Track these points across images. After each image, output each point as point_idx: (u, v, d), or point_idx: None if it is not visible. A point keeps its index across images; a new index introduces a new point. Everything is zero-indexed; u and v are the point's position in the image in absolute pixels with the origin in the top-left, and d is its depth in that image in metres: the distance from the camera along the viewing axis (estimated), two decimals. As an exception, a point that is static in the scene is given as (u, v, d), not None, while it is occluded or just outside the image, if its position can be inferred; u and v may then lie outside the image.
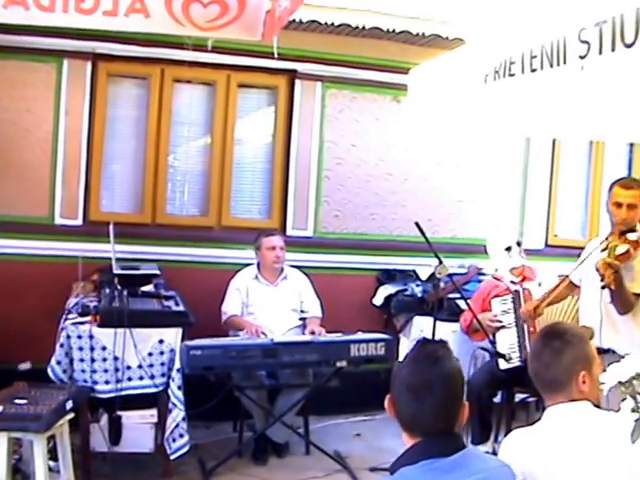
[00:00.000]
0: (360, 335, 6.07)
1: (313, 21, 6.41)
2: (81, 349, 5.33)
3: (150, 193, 7.11)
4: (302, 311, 6.71)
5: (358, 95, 7.53)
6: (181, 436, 5.47)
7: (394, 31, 6.59)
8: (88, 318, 5.46)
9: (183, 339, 5.56)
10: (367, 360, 5.97)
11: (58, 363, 5.33)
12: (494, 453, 4.68)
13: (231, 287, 6.63)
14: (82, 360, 5.34)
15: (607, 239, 5.07)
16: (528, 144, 8.08)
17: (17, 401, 4.61)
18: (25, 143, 6.72)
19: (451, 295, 6.80)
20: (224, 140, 7.28)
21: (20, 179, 6.72)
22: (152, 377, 5.45)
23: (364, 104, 7.56)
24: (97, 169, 6.97)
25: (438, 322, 6.07)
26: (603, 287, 4.83)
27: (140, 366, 5.42)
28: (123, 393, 5.39)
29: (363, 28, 6.53)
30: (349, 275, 7.50)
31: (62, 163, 6.80)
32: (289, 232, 7.31)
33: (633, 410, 1.93)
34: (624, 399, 1.98)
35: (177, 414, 5.44)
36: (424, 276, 7.31)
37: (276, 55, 5.04)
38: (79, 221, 6.86)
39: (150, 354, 5.45)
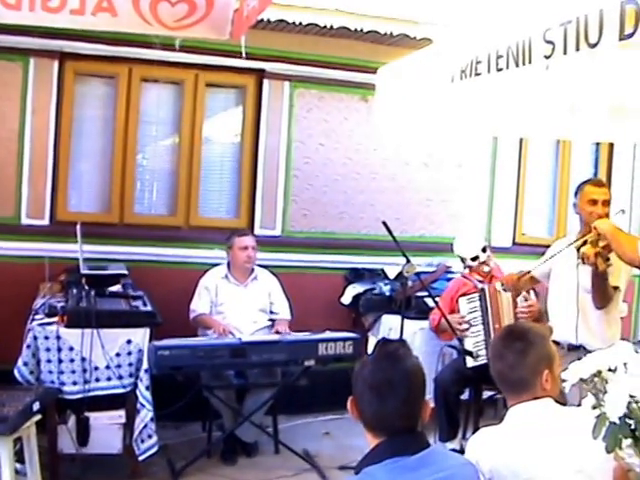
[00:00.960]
0: (328, 334, 6.08)
1: (281, 21, 6.41)
2: (48, 350, 5.29)
3: (118, 193, 7.07)
4: (271, 312, 6.71)
5: (326, 94, 7.54)
6: (149, 437, 5.45)
7: (362, 31, 6.60)
8: (55, 319, 5.41)
9: (151, 339, 5.53)
10: (335, 359, 5.98)
11: (25, 364, 5.28)
12: (462, 450, 4.71)
13: (200, 285, 6.62)
14: (49, 361, 5.30)
15: (583, 236, 5.14)
16: (496, 143, 8.12)
17: (-17, 403, 4.57)
18: (-10, 142, 6.68)
19: (419, 293, 6.81)
20: (192, 139, 7.26)
21: (-15, 178, 6.68)
22: (120, 378, 5.42)
23: (332, 103, 7.57)
24: (64, 168, 6.93)
25: (406, 320, 6.11)
26: (599, 275, 4.89)
27: (108, 367, 5.38)
28: (91, 394, 5.35)
29: (331, 28, 6.54)
30: (317, 274, 7.51)
31: (28, 162, 6.74)
32: (257, 231, 7.29)
33: (594, 407, 1.94)
34: (585, 396, 1.99)
35: (145, 414, 5.41)
36: (392, 275, 7.33)
37: (244, 55, 5.03)
38: (46, 221, 6.82)
39: (118, 354, 5.41)
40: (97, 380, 5.38)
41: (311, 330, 6.19)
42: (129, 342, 5.45)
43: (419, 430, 2.56)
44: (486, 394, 6.37)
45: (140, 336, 5.49)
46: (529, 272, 5.55)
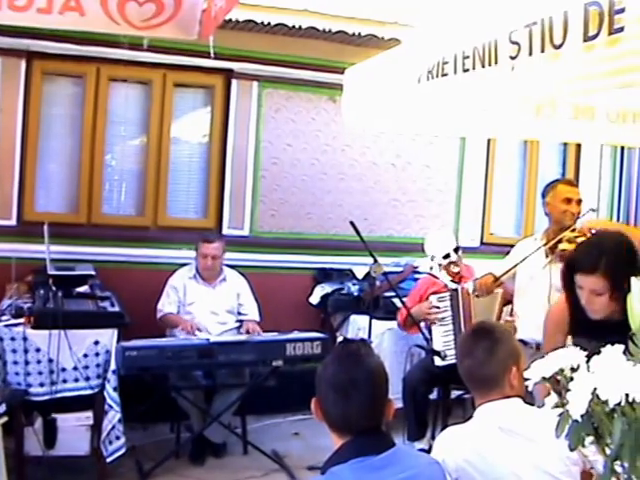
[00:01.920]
0: (296, 334, 6.09)
1: (249, 21, 6.40)
2: (15, 351, 5.24)
3: (86, 193, 7.04)
4: (240, 313, 6.71)
5: (294, 95, 7.55)
6: (117, 438, 5.42)
7: (330, 31, 6.60)
8: (22, 320, 5.37)
9: (119, 340, 5.51)
10: (303, 359, 5.99)
11: (-9, 366, 5.27)
12: (430, 449, 4.72)
13: (168, 285, 6.61)
14: (16, 362, 5.25)
15: (555, 235, 5.19)
16: (463, 143, 8.16)
17: (-52, 405, 4.55)
18: (-44, 142, 6.63)
19: (387, 294, 6.82)
20: (160, 139, 7.24)
21: (-49, 179, 6.63)
22: (87, 379, 5.39)
23: (300, 104, 7.58)
24: (31, 168, 6.89)
25: (374, 320, 6.13)
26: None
27: (75, 368, 5.35)
28: (58, 395, 5.31)
29: (299, 28, 6.54)
30: (285, 274, 7.52)
31: (-5, 162, 6.71)
32: (225, 231, 7.30)
33: (556, 405, 1.96)
34: (548, 394, 2.01)
35: (113, 416, 5.38)
36: (360, 275, 7.35)
37: (212, 54, 5.04)
38: (13, 221, 6.78)
39: (85, 355, 5.38)
40: (64, 381, 5.34)
41: (279, 330, 6.19)
42: (97, 343, 5.42)
43: (384, 430, 2.57)
44: (454, 394, 6.39)
45: (108, 337, 5.46)
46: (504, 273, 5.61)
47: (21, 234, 6.67)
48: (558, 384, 1.96)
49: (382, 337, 6.69)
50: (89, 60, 6.91)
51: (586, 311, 3.53)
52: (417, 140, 7.86)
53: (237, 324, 6.66)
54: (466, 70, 3.43)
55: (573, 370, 1.95)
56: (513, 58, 3.07)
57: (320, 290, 7.43)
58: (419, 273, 7.19)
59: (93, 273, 6.18)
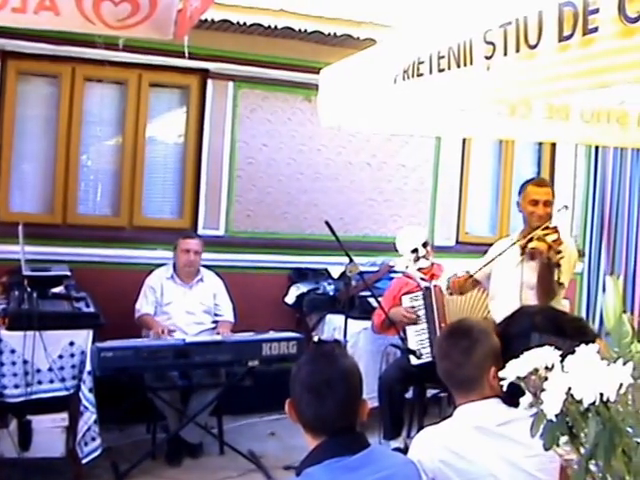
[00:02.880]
0: (272, 334, 6.08)
1: (225, 21, 6.39)
2: (-11, 353, 5.23)
3: (61, 193, 7.01)
4: (216, 314, 6.70)
5: (270, 95, 7.55)
6: (93, 439, 5.39)
7: (306, 31, 6.60)
8: (-4, 321, 5.36)
9: (94, 341, 5.49)
10: (279, 359, 5.98)
11: (-35, 368, 5.23)
12: (406, 448, 4.73)
13: (146, 285, 6.60)
14: (-10, 364, 5.24)
15: (527, 234, 5.22)
16: (439, 143, 8.18)
17: None
18: None
19: (363, 293, 6.83)
20: (135, 139, 7.22)
21: None
22: (63, 380, 5.36)
23: (276, 104, 7.58)
24: (6, 168, 6.85)
25: (350, 320, 6.13)
26: (556, 265, 4.97)
27: (50, 369, 5.31)
28: (33, 397, 5.28)
29: (275, 28, 6.53)
30: (261, 274, 7.51)
31: (-31, 163, 6.67)
32: (201, 231, 7.28)
33: (531, 405, 1.96)
34: (523, 394, 2.02)
35: (89, 417, 5.36)
36: (336, 274, 7.35)
37: (187, 54, 5.01)
38: (-13, 222, 6.74)
39: (60, 356, 5.35)
40: (39, 383, 5.30)
41: (255, 330, 6.19)
42: (72, 344, 5.40)
43: (358, 430, 2.58)
44: (430, 392, 6.42)
45: (83, 338, 5.44)
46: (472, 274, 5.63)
47: (-4, 235, 6.63)
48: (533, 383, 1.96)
49: (358, 336, 6.70)
50: (64, 60, 6.87)
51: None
52: (393, 140, 7.88)
53: (213, 324, 6.65)
54: (441, 70, 3.44)
55: (548, 370, 1.95)
56: (488, 58, 3.08)
57: (296, 290, 7.43)
58: (395, 272, 7.21)
59: (68, 274, 6.15)
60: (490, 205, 8.73)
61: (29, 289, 5.56)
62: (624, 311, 1.98)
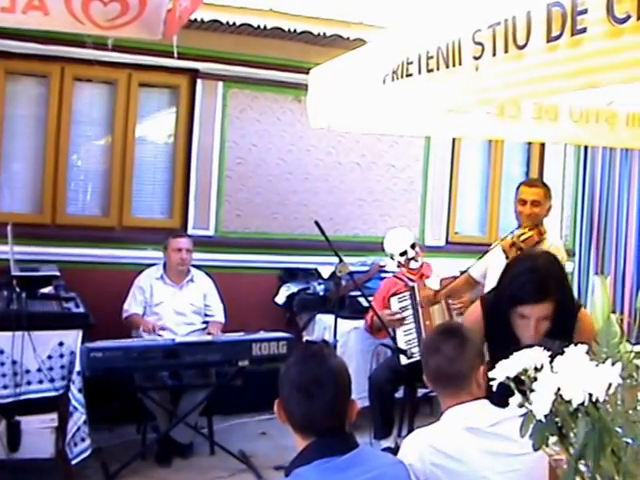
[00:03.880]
0: (262, 334, 6.07)
1: (215, 21, 6.38)
2: (-22, 353, 5.21)
3: (50, 193, 6.99)
4: (206, 314, 6.70)
5: (259, 95, 7.55)
6: (82, 440, 5.37)
7: (295, 31, 6.60)
8: (-15, 321, 5.34)
9: (84, 341, 5.47)
10: (269, 359, 5.97)
11: (-47, 368, 5.21)
12: (397, 448, 4.74)
13: (135, 285, 6.60)
14: (-21, 365, 5.22)
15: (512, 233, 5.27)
16: (428, 143, 8.19)
17: None
18: None
19: (353, 293, 6.84)
20: (125, 139, 7.21)
21: None
22: (52, 380, 5.34)
23: (265, 104, 7.58)
24: (-5, 168, 6.85)
25: (340, 320, 6.12)
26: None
27: (39, 369, 5.29)
28: (22, 397, 5.25)
29: (264, 28, 6.53)
30: (251, 274, 7.51)
31: (-42, 163, 6.65)
32: (190, 231, 7.27)
33: (520, 405, 1.97)
34: (512, 394, 2.03)
35: (78, 417, 5.34)
36: (326, 274, 7.36)
37: (176, 54, 5.00)
38: (-24, 222, 6.71)
39: (50, 357, 5.33)
40: (28, 383, 5.28)
41: (245, 330, 6.18)
42: (61, 344, 5.37)
43: (348, 430, 2.58)
44: (421, 392, 6.42)
45: (72, 338, 5.41)
46: (451, 281, 5.68)
47: (-16, 235, 6.60)
48: (522, 384, 1.97)
49: (348, 336, 6.71)
50: (53, 60, 6.85)
51: (521, 339, 3.56)
52: (382, 140, 7.88)
53: (204, 325, 6.65)
54: (430, 70, 3.45)
55: (537, 370, 1.96)
56: (477, 58, 3.09)
57: (286, 290, 7.43)
58: (385, 272, 7.22)
59: (57, 274, 6.14)
60: (480, 205, 8.74)
61: (18, 289, 5.53)
62: (613, 311, 1.99)
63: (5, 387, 5.22)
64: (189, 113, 7.41)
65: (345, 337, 6.62)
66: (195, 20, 6.10)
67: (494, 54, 2.97)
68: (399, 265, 6.63)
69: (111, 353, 5.49)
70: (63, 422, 5.39)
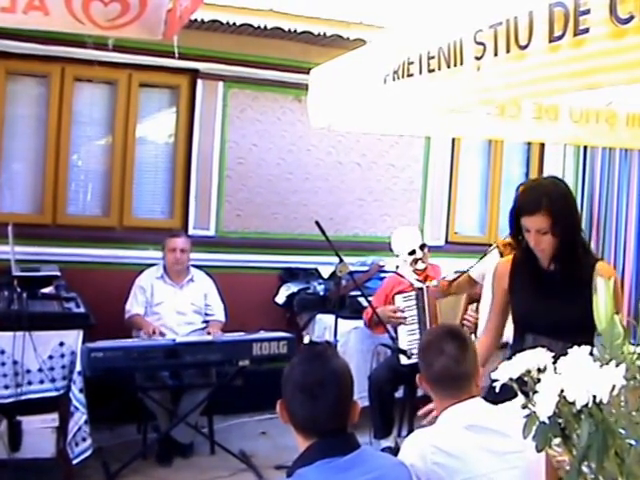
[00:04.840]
0: (262, 334, 6.08)
1: (215, 21, 6.39)
2: (-22, 354, 5.21)
3: (50, 193, 6.99)
4: (206, 314, 6.70)
5: (260, 95, 7.55)
6: (83, 440, 5.37)
7: (296, 31, 6.60)
8: (-14, 322, 5.34)
9: (84, 341, 5.47)
10: (270, 359, 5.98)
11: (-46, 368, 5.21)
12: (397, 448, 4.75)
13: (136, 285, 6.60)
14: (-20, 365, 5.22)
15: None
16: (428, 143, 8.20)
17: None
18: None
19: (353, 293, 6.84)
20: (125, 140, 7.20)
21: None
22: (53, 380, 5.34)
23: (266, 104, 7.58)
24: (-5, 169, 6.84)
25: (340, 320, 6.13)
26: None
27: (40, 369, 5.29)
28: (23, 398, 5.26)
29: (265, 28, 6.53)
30: (251, 274, 7.51)
31: (-42, 162, 6.65)
32: (191, 232, 7.28)
33: (524, 406, 1.97)
34: (515, 395, 2.03)
35: (79, 417, 5.34)
36: (326, 274, 7.36)
37: (177, 54, 5.00)
38: (-24, 222, 6.71)
39: (50, 357, 5.33)
40: (29, 383, 5.28)
41: (246, 330, 6.18)
42: (62, 344, 5.37)
43: (349, 431, 2.58)
44: (420, 392, 6.41)
45: (73, 338, 5.42)
46: (460, 276, 5.66)
47: (-15, 235, 6.60)
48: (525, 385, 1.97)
49: (348, 336, 6.71)
50: (54, 60, 6.85)
51: (536, 254, 3.84)
52: (382, 140, 7.89)
53: (204, 324, 6.65)
54: (431, 70, 3.44)
55: (540, 371, 1.96)
56: (478, 58, 3.08)
57: (286, 290, 7.43)
58: (385, 272, 7.21)
59: (58, 274, 6.14)
60: (479, 205, 8.74)
61: (19, 289, 5.54)
62: (616, 312, 1.99)
63: (6, 387, 5.23)
64: (189, 113, 7.41)
65: (345, 337, 6.63)
66: (195, 20, 6.10)
67: (496, 54, 2.97)
68: (409, 263, 6.57)
69: (112, 353, 5.49)
70: (64, 422, 5.39)
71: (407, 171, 8.16)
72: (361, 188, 7.96)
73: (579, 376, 1.82)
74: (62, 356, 5.38)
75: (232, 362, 5.96)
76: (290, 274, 7.60)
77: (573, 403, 1.80)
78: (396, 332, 6.23)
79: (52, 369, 5.34)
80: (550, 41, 2.67)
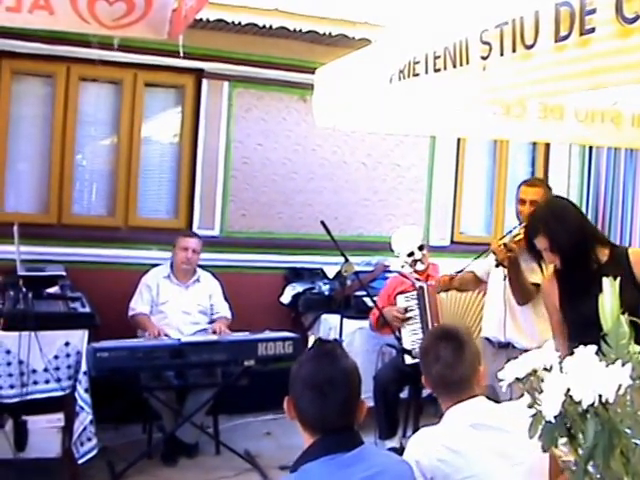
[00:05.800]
0: (268, 334, 6.09)
1: (220, 20, 6.38)
2: (-16, 354, 5.21)
3: (56, 193, 7.00)
4: (212, 314, 6.70)
5: (265, 94, 7.55)
6: (89, 439, 5.37)
7: (301, 31, 6.60)
8: (-9, 321, 5.34)
9: (90, 341, 5.47)
10: (275, 359, 5.98)
11: (-40, 368, 5.21)
12: (402, 448, 4.74)
13: (142, 284, 6.59)
14: (-15, 365, 5.22)
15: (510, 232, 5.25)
16: (434, 142, 8.19)
17: None
18: None
19: (358, 293, 6.84)
20: (131, 139, 7.21)
21: None
22: (58, 380, 5.34)
23: (271, 103, 7.58)
24: (1, 168, 6.84)
25: (345, 320, 6.14)
26: (497, 265, 4.97)
27: (46, 369, 5.29)
28: (29, 397, 5.25)
29: (270, 28, 6.53)
30: (256, 274, 7.51)
31: (-36, 162, 6.66)
32: (196, 231, 7.25)
33: (530, 406, 1.97)
34: (521, 395, 2.03)
35: (84, 417, 5.34)
36: (331, 274, 7.35)
37: (182, 54, 5.01)
38: (-18, 222, 6.72)
39: (56, 357, 5.33)
40: (35, 383, 5.28)
41: (251, 330, 6.18)
42: (67, 344, 5.37)
43: (354, 429, 2.59)
44: (426, 392, 6.40)
45: (78, 338, 5.42)
46: (460, 272, 5.65)
47: (-10, 235, 6.60)
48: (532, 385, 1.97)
49: (353, 336, 6.71)
50: (59, 60, 6.86)
51: None
52: (388, 139, 7.88)
53: (209, 325, 6.64)
54: (437, 70, 3.44)
55: (546, 371, 1.96)
56: (484, 58, 3.08)
57: (291, 289, 7.43)
58: (390, 272, 7.21)
59: (63, 274, 6.15)
60: (485, 205, 8.74)
61: (24, 289, 5.54)
62: (622, 312, 1.98)
63: (12, 387, 5.22)
64: (195, 113, 7.41)
65: (350, 337, 6.63)
66: (201, 20, 6.10)
67: (502, 54, 2.97)
68: (408, 264, 6.57)
69: (117, 353, 5.51)
70: (69, 422, 5.39)
71: (412, 171, 8.16)
72: (366, 188, 7.96)
73: (585, 376, 1.82)
74: (67, 356, 5.38)
75: (237, 362, 5.96)
76: (295, 274, 7.59)
77: (579, 403, 1.80)
78: (400, 332, 6.22)
79: (57, 369, 5.34)
80: (556, 41, 2.67)
